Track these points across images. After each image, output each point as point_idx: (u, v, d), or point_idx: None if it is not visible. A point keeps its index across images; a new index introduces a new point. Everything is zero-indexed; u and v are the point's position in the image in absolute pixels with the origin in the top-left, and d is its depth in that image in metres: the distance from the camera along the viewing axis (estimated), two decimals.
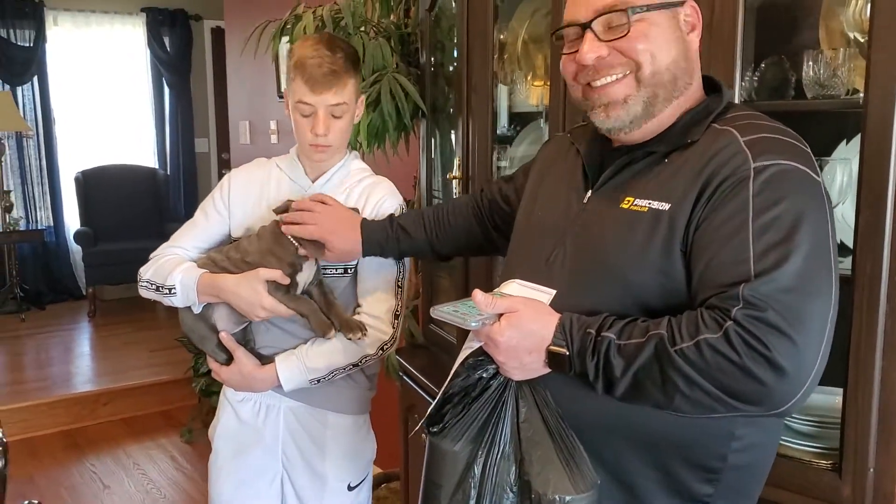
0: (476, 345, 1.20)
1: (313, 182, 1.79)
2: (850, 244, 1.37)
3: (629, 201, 1.17)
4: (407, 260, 1.81)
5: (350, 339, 1.69)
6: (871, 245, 1.30)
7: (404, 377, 2.47)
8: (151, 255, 1.83)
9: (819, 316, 1.02)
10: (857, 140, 1.36)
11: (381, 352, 1.77)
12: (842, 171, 1.48)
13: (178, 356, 4.56)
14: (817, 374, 1.02)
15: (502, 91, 2.22)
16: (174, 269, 1.74)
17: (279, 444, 1.83)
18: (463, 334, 1.32)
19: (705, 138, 1.15)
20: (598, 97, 1.20)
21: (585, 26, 1.18)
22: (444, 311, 1.19)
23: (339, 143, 1.76)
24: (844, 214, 1.52)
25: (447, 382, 1.23)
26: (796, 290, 1.01)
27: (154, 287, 1.76)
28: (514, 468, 1.18)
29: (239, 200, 1.81)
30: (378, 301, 1.76)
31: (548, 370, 1.16)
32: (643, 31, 1.16)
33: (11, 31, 6.48)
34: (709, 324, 1.02)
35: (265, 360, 1.75)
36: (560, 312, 1.14)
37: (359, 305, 1.77)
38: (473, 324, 1.14)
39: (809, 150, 1.13)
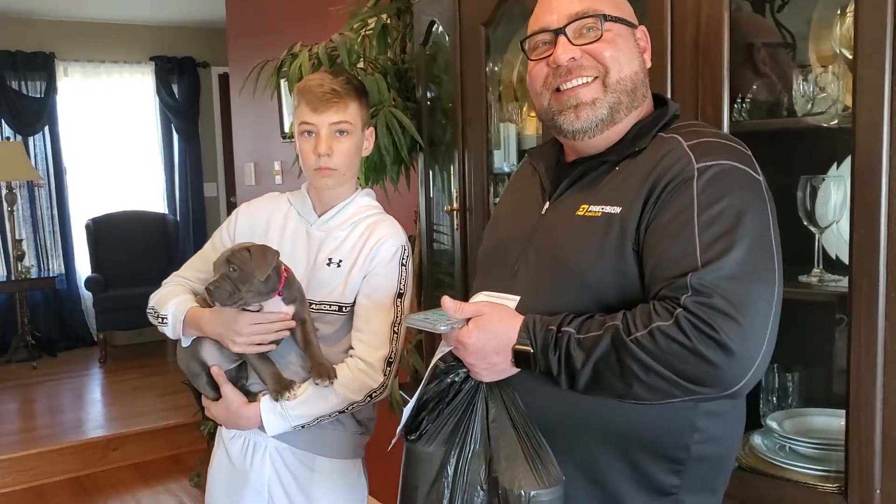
0: (446, 349, 1.26)
1: (319, 217, 1.78)
2: (848, 262, 1.35)
3: (584, 208, 1.24)
4: (406, 303, 1.76)
5: (318, 384, 1.65)
6: (866, 263, 1.29)
7: None
8: (163, 283, 1.86)
9: (763, 301, 1.08)
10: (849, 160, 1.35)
11: (369, 399, 1.71)
12: (836, 188, 1.47)
13: (187, 400, 4.49)
14: (765, 356, 1.08)
15: (510, 129, 2.24)
16: (171, 300, 1.76)
17: (265, 485, 1.79)
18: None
19: (652, 146, 1.23)
20: (568, 99, 1.27)
21: (559, 32, 1.26)
22: (416, 319, 1.25)
23: (345, 167, 1.73)
24: (843, 231, 1.50)
25: (420, 388, 1.28)
26: (741, 277, 1.07)
27: (154, 315, 1.79)
28: (484, 467, 1.22)
29: (245, 233, 1.81)
30: (371, 347, 1.70)
31: (515, 370, 1.21)
32: (612, 39, 1.26)
33: (23, 83, 6.60)
34: (660, 313, 1.08)
35: (254, 397, 1.73)
36: (524, 315, 1.20)
37: (352, 348, 1.72)
38: (443, 328, 1.20)
39: (749, 153, 1.20)
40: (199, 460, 4.24)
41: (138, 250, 6.71)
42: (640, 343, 1.08)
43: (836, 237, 1.52)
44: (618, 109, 1.26)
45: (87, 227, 6.63)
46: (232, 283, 1.59)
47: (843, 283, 1.41)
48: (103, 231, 6.65)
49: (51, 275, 6.74)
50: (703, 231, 1.10)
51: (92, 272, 6.54)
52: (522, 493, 1.16)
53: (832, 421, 1.49)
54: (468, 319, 1.21)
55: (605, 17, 1.25)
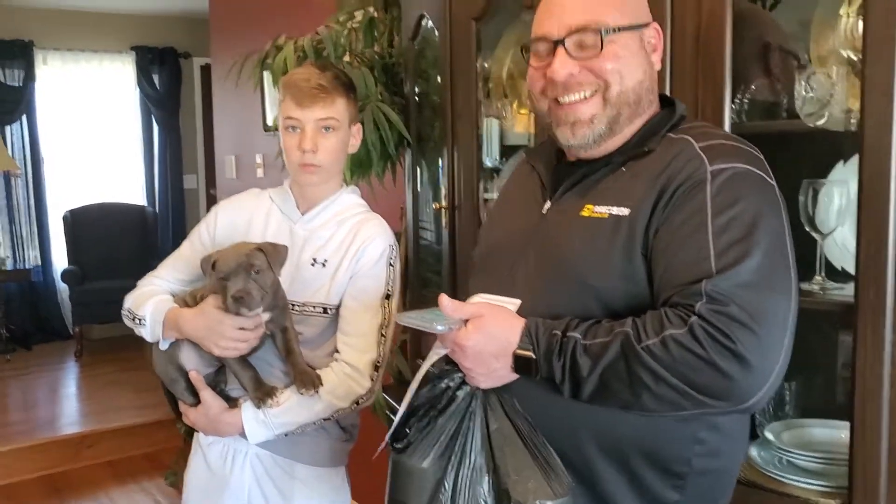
0: (442, 351, 1.19)
1: (303, 215, 1.71)
2: (851, 270, 1.31)
3: (589, 209, 1.19)
4: (394, 305, 1.69)
5: (302, 393, 1.59)
6: (873, 270, 1.24)
7: (391, 416, 2.38)
8: (138, 283, 1.78)
9: (780, 311, 1.03)
10: (854, 161, 1.31)
11: (355, 405, 1.65)
12: (839, 193, 1.42)
13: (164, 397, 4.45)
14: (781, 370, 1.03)
15: (493, 124, 2.18)
16: (148, 300, 1.68)
17: (245, 492, 1.72)
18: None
19: (662, 146, 1.18)
20: (566, 115, 1.22)
21: (558, 42, 1.20)
22: (411, 318, 1.18)
23: (330, 164, 1.67)
24: (844, 239, 1.46)
25: (412, 394, 1.21)
26: (757, 285, 1.02)
27: (131, 317, 1.71)
28: (486, 479, 1.15)
29: (225, 233, 1.74)
30: (358, 351, 1.64)
31: (515, 376, 1.15)
32: (614, 52, 1.19)
33: (0, 71, 6.45)
34: (673, 320, 1.03)
35: (234, 402, 1.66)
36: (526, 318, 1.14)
37: (338, 351, 1.66)
38: (440, 327, 1.13)
39: (762, 157, 1.16)
40: (175, 458, 4.16)
41: (116, 243, 6.59)
42: (651, 351, 1.02)
43: (839, 244, 1.47)
44: (617, 121, 1.22)
45: (65, 218, 6.50)
46: (260, 288, 1.52)
47: (845, 290, 1.36)
48: (81, 223, 6.52)
49: (26, 266, 6.62)
50: (717, 236, 1.05)
51: (69, 264, 6.42)
52: None
53: (832, 433, 1.45)
54: (466, 321, 1.15)
55: (607, 31, 1.18)
